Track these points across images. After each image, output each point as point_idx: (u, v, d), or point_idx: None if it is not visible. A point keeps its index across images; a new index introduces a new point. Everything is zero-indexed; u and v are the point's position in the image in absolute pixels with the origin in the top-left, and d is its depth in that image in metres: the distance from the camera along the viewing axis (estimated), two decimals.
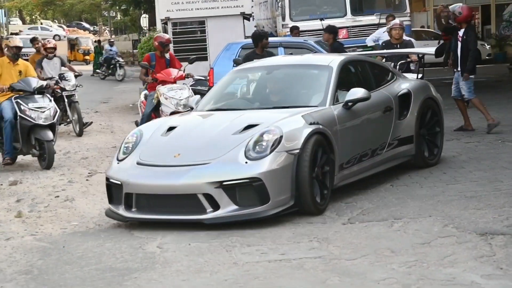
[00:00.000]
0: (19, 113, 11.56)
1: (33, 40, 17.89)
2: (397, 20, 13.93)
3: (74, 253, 7.28)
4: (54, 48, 16.17)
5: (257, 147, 7.88)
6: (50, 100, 12.28)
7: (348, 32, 18.58)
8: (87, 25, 69.40)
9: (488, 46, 30.81)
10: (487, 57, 29.82)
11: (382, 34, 16.59)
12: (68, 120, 15.92)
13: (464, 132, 13.62)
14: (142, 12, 44.93)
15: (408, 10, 19.34)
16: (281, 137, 7.86)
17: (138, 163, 8.27)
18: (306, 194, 7.86)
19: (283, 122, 8.20)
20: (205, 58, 18.40)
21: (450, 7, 15.01)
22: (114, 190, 8.37)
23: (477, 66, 15.26)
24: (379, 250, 6.87)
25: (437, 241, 7.09)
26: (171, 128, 8.80)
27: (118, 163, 8.54)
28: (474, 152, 11.66)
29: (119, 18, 66.30)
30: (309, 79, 9.81)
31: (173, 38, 19.38)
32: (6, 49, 12.31)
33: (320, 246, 7.11)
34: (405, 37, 13.62)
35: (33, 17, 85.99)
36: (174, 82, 13.46)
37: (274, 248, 7.04)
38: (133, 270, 6.61)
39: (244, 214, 7.70)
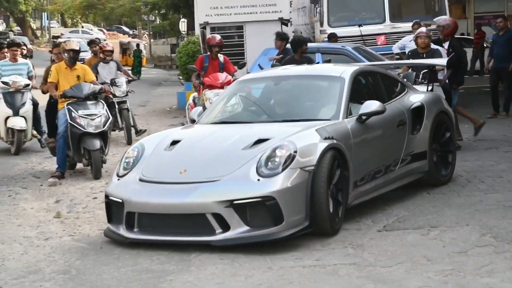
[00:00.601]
0: (69, 121, 11.19)
1: (91, 43, 17.12)
2: (423, 29, 13.39)
3: (111, 254, 7.36)
4: (112, 51, 15.80)
5: (269, 163, 7.29)
6: (103, 107, 11.86)
7: (386, 38, 18.53)
8: (126, 29, 70.10)
9: None
10: None
11: (408, 42, 16.50)
12: (120, 127, 15.36)
13: (503, 141, 13.46)
14: (181, 16, 45.13)
15: (447, 15, 19.21)
16: (295, 152, 7.31)
17: (141, 180, 7.67)
18: (323, 214, 7.34)
19: (296, 137, 7.66)
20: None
21: (434, 19, 14.79)
22: (114, 209, 7.78)
23: None
24: (414, 258, 6.85)
25: (474, 250, 7.04)
26: (174, 142, 8.21)
27: (118, 179, 7.95)
28: None
29: (158, 22, 66.65)
30: (320, 90, 9.18)
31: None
32: (66, 54, 11.81)
33: (355, 252, 7.12)
34: (433, 46, 13.12)
35: (74, 20, 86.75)
36: (222, 88, 12.98)
37: (308, 253, 7.05)
38: (168, 272, 6.66)
39: (256, 236, 7.10)
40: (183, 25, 43.93)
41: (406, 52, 15.19)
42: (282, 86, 9.41)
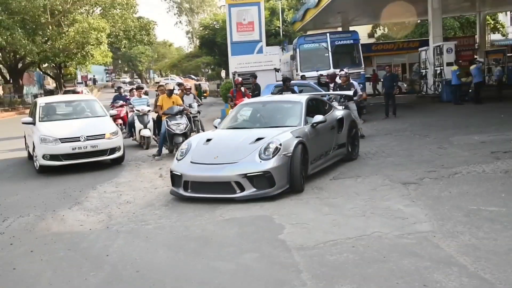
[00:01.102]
0: (166, 127, 11.21)
1: (179, 85, 16.57)
2: (343, 72, 12.83)
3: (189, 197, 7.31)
4: (190, 89, 14.91)
5: (266, 151, 6.85)
6: (185, 119, 11.56)
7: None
8: (193, 76, 69.98)
9: (405, 85, 30.39)
10: (404, 91, 29.42)
11: (338, 79, 16.19)
12: (194, 130, 14.02)
13: (394, 130, 13.31)
14: (222, 68, 45.03)
15: (362, 66, 19.10)
16: (280, 145, 6.91)
17: (192, 162, 7.16)
18: (297, 180, 6.98)
19: (280, 136, 7.18)
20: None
21: (326, 71, 14.70)
22: (175, 178, 7.26)
23: (397, 95, 15.22)
24: (349, 193, 6.86)
25: (380, 188, 7.04)
26: (208, 139, 7.64)
27: (178, 161, 7.37)
28: (400, 141, 11.41)
29: (210, 72, 66.65)
30: (289, 109, 8.47)
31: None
32: (167, 91, 11.88)
33: (318, 191, 7.08)
34: (352, 80, 12.65)
35: (165, 73, 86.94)
36: None
37: (292, 194, 6.95)
38: (220, 206, 6.62)
39: (260, 194, 6.68)
40: (223, 73, 43.72)
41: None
42: (267, 107, 8.84)
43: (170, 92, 11.93)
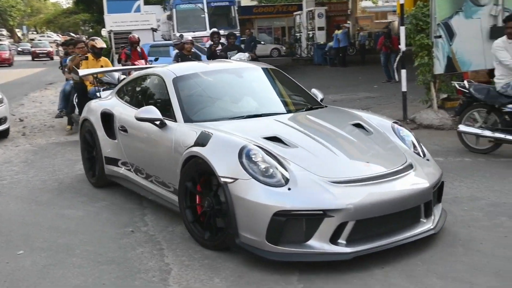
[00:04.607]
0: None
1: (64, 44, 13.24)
2: (189, 37, 10.30)
3: (51, 152, 7.36)
4: (101, 48, 9.75)
5: (414, 146, 4.07)
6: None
7: (208, 39, 18.58)
8: (73, 34, 65.94)
9: (284, 48, 31.67)
10: (283, 53, 30.67)
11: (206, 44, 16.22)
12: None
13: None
14: (102, 27, 43.12)
15: (238, 28, 19.59)
16: (410, 132, 4.26)
17: (333, 182, 3.34)
18: None
19: (378, 118, 4.47)
20: None
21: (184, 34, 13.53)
22: (295, 224, 3.22)
23: (273, 58, 15.68)
24: None
25: None
26: (271, 138, 3.72)
27: (289, 189, 3.26)
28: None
29: (90, 30, 63.33)
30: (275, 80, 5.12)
31: (115, 41, 18.97)
32: (95, 50, 8.42)
33: None
34: (194, 50, 10.27)
35: (41, 30, 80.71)
36: None
37: None
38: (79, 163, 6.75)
39: (445, 216, 3.91)
40: (103, 32, 41.76)
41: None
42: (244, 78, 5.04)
43: (99, 53, 8.50)
